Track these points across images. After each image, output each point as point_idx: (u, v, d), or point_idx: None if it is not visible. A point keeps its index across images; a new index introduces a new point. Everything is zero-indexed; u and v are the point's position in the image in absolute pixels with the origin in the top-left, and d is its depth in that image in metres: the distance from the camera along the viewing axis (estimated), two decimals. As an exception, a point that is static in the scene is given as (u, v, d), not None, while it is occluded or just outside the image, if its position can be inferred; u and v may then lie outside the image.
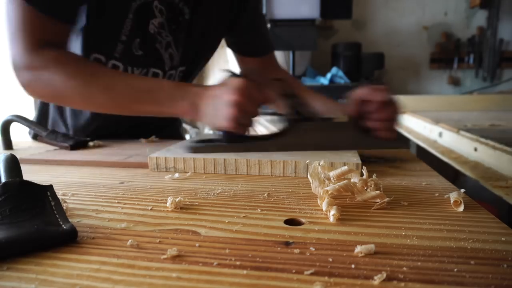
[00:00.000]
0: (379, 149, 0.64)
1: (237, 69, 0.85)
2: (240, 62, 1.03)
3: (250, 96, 0.58)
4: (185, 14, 0.82)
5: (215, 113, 0.60)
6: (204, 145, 0.61)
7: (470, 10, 2.69)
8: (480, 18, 2.67)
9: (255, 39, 0.99)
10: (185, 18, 0.82)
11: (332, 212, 0.36)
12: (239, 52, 1.01)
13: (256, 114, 0.61)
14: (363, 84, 0.64)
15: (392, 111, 0.63)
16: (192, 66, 0.92)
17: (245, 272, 0.27)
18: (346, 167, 0.45)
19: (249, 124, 0.61)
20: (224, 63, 2.85)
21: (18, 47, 0.66)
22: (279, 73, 1.03)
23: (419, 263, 0.27)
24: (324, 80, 2.35)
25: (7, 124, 0.78)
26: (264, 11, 1.84)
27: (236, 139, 0.61)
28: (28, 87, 0.70)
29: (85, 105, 0.72)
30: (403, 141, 0.63)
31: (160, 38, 0.81)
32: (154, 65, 0.83)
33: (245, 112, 0.58)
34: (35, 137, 0.95)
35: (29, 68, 0.67)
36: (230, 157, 0.56)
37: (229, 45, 1.01)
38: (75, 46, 0.76)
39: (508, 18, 2.62)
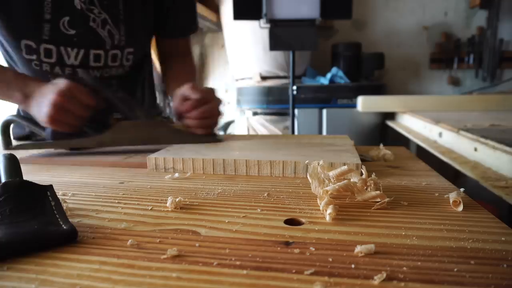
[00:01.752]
0: (194, 143, 0.69)
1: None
2: (156, 45, 1.02)
3: (73, 98, 0.63)
4: None
5: (39, 109, 0.65)
6: (27, 143, 0.70)
7: (470, 10, 2.69)
8: (480, 18, 2.68)
9: (172, 19, 0.97)
10: None
11: (329, 211, 0.36)
12: (158, 32, 0.99)
13: (81, 114, 0.65)
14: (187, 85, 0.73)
15: (202, 111, 0.70)
16: (139, 48, 0.91)
17: (245, 272, 0.27)
18: (346, 167, 0.45)
19: (73, 123, 0.66)
20: (224, 63, 2.85)
21: None
22: (188, 61, 1.04)
23: (419, 263, 0.27)
24: (324, 80, 2.35)
25: (7, 124, 0.77)
26: (264, 11, 1.84)
27: (61, 136, 0.67)
28: None
29: None
30: (215, 137, 0.74)
31: (93, 15, 0.81)
32: (93, 45, 0.83)
33: (66, 112, 0.63)
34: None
35: None
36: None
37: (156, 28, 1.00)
38: (8, 32, 0.77)
39: (508, 18, 2.62)
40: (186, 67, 1.03)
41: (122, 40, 0.86)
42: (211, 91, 0.74)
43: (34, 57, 0.80)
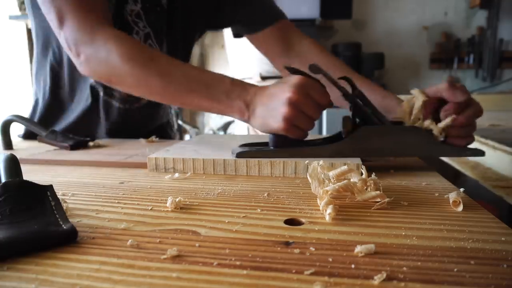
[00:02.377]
0: (452, 157, 0.58)
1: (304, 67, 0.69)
2: (256, 44, 0.93)
3: (310, 96, 0.53)
4: (162, 4, 0.80)
5: (269, 113, 0.55)
6: (248, 150, 0.57)
7: (470, 10, 2.69)
8: (480, 18, 2.68)
9: (254, 10, 0.90)
10: (163, 7, 0.81)
11: (328, 211, 0.36)
12: (245, 31, 0.92)
13: (316, 117, 0.55)
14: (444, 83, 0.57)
15: (471, 115, 0.55)
16: (180, 58, 0.90)
17: (245, 272, 0.27)
18: (346, 167, 0.45)
19: (307, 128, 0.55)
20: (224, 63, 2.85)
21: (80, 23, 0.65)
22: (307, 44, 0.90)
23: (419, 263, 0.27)
24: (324, 80, 2.35)
25: (7, 124, 0.78)
26: (264, 11, 1.84)
27: (285, 143, 0.55)
28: (86, 63, 0.67)
29: (138, 88, 0.68)
30: (478, 149, 0.58)
31: (137, 28, 0.79)
32: None
33: (302, 113, 0.53)
34: (25, 136, 0.95)
35: (91, 43, 0.65)
36: (197, 156, 0.55)
37: (233, 30, 0.94)
38: None
39: (508, 18, 2.62)
40: (332, 58, 0.87)
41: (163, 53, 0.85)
42: (468, 91, 0.57)
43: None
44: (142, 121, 0.94)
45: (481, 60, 2.67)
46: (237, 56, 2.54)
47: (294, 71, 0.55)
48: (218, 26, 0.96)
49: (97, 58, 0.66)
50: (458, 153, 0.57)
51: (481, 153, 0.57)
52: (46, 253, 0.29)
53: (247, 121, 0.59)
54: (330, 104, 0.56)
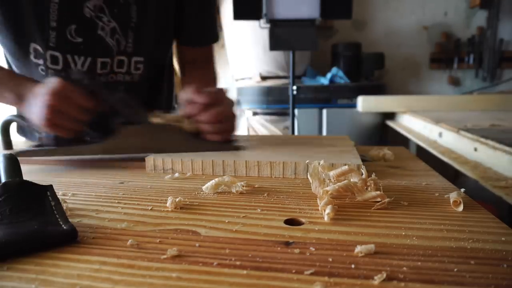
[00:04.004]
0: (209, 151, 0.62)
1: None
2: (177, 52, 0.98)
3: (67, 99, 0.58)
4: None
5: (34, 112, 0.60)
6: (30, 149, 0.62)
7: (470, 10, 2.69)
8: (480, 18, 2.67)
9: (196, 27, 0.93)
10: (127, 0, 0.79)
11: (327, 211, 0.36)
12: (178, 40, 0.95)
13: (80, 117, 0.60)
14: (190, 87, 0.64)
15: (214, 114, 0.62)
16: (151, 57, 0.88)
17: (245, 272, 0.27)
18: (346, 167, 0.45)
19: (71, 127, 0.60)
20: (224, 63, 2.85)
21: None
22: (206, 69, 0.98)
23: (419, 263, 0.27)
24: (324, 80, 2.35)
25: (7, 124, 0.77)
26: (264, 11, 1.84)
27: (62, 143, 0.61)
28: None
29: None
30: (234, 145, 0.65)
31: (101, 23, 0.78)
32: (100, 54, 0.80)
33: (62, 114, 0.58)
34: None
35: None
36: (196, 158, 0.57)
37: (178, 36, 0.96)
38: (17, 34, 0.76)
39: (508, 18, 2.62)
40: (205, 74, 0.96)
41: (128, 47, 0.83)
42: (220, 91, 0.65)
43: (41, 61, 0.78)
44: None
45: (481, 60, 2.67)
46: (237, 56, 2.54)
47: (64, 77, 0.60)
48: (177, 26, 0.96)
49: None
50: (212, 148, 0.62)
51: (236, 148, 0.63)
52: (46, 253, 0.29)
53: (22, 113, 0.65)
54: (98, 107, 0.61)
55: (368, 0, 2.76)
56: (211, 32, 0.97)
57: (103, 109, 0.62)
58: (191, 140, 0.63)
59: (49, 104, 0.57)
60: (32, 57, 0.78)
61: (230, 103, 0.65)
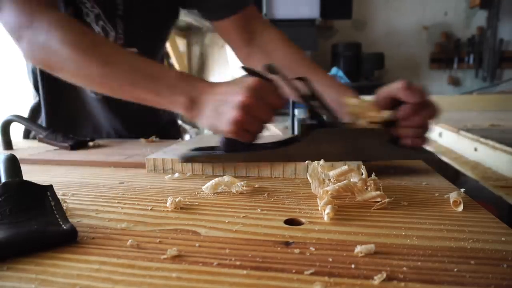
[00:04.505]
0: (406, 159, 0.56)
1: (257, 67, 0.64)
2: (218, 31, 0.89)
3: (263, 100, 0.50)
4: None
5: (217, 115, 0.52)
6: (197, 154, 0.55)
7: (470, 10, 2.69)
8: (480, 18, 2.68)
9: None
10: None
11: (327, 211, 0.36)
12: (211, 17, 0.87)
13: (268, 120, 0.52)
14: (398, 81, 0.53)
15: (426, 117, 0.53)
16: (144, 48, 0.82)
17: (245, 272, 0.27)
18: (346, 167, 0.45)
19: (258, 131, 0.53)
20: (224, 63, 2.85)
21: (19, 7, 0.63)
22: (271, 35, 0.85)
23: (419, 263, 0.27)
24: (324, 80, 2.35)
25: (7, 124, 0.78)
26: (264, 11, 1.83)
27: (237, 147, 0.53)
28: (28, 47, 0.64)
29: (78, 76, 0.64)
30: (427, 150, 0.56)
31: (86, 9, 0.75)
32: None
33: (254, 117, 0.51)
34: (27, 136, 0.95)
35: (30, 28, 0.62)
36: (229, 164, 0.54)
37: (200, 13, 0.88)
38: None
39: (508, 18, 2.62)
40: (290, 50, 0.82)
41: (119, 38, 0.80)
42: (426, 91, 0.54)
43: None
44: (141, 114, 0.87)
45: (481, 60, 2.67)
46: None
47: (249, 71, 0.52)
48: (183, 6, 0.88)
49: (37, 42, 0.62)
50: (413, 155, 0.55)
51: (433, 156, 0.56)
52: (46, 253, 0.29)
53: (193, 119, 0.56)
54: (284, 105, 0.54)
55: (368, 0, 2.76)
56: None
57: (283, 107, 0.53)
58: (390, 146, 0.53)
59: (243, 106, 0.49)
60: None
61: (436, 107, 0.54)
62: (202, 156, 0.55)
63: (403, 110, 0.52)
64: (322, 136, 0.53)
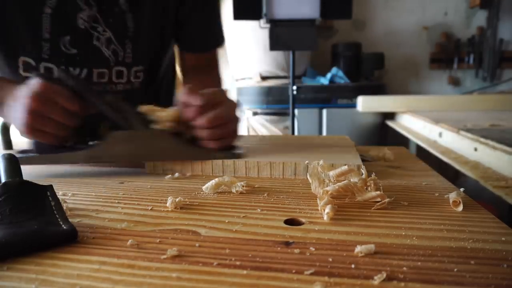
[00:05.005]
0: (202, 160, 0.56)
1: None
2: (179, 58, 0.94)
3: (51, 102, 0.53)
4: (120, 4, 0.76)
5: (15, 118, 0.55)
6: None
7: (470, 10, 2.69)
8: (480, 18, 2.67)
9: (196, 32, 0.88)
10: (121, 8, 0.76)
11: (326, 211, 0.36)
12: (179, 45, 0.91)
13: (65, 122, 0.54)
14: (185, 88, 0.58)
15: (211, 118, 0.55)
16: (150, 65, 0.85)
17: (245, 272, 0.27)
18: (346, 167, 0.45)
19: (58, 132, 0.55)
20: (224, 64, 2.85)
21: None
22: (208, 75, 0.92)
23: (419, 263, 0.27)
24: (324, 80, 2.35)
25: (7, 124, 0.78)
26: (264, 11, 1.84)
27: (46, 149, 0.56)
28: None
29: None
30: (233, 152, 0.58)
31: (96, 33, 0.75)
32: (96, 64, 0.77)
33: (45, 119, 0.53)
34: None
35: None
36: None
37: (176, 40, 0.92)
38: (4, 48, 0.73)
39: (508, 18, 2.62)
40: (206, 79, 0.88)
41: (127, 57, 0.80)
42: (219, 92, 0.59)
43: (33, 74, 0.75)
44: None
45: (481, 60, 2.67)
46: (237, 56, 2.54)
47: (42, 76, 0.55)
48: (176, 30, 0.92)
49: None
50: (209, 157, 0.56)
51: (234, 156, 0.56)
52: (46, 253, 0.29)
53: (5, 119, 0.61)
54: (84, 111, 0.56)
55: (368, 0, 2.76)
56: (213, 37, 0.92)
57: (90, 113, 0.57)
58: (185, 148, 0.57)
59: (30, 109, 0.52)
60: (21, 71, 0.75)
61: (231, 105, 0.58)
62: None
63: (185, 112, 0.56)
64: (117, 138, 0.56)
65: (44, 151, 0.57)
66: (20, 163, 0.55)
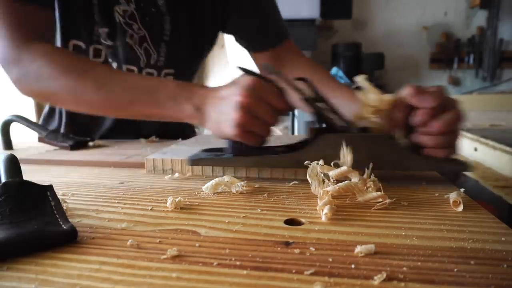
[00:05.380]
0: (428, 170, 0.51)
1: (254, 68, 0.72)
2: (255, 61, 0.92)
3: (263, 99, 0.48)
4: (159, 5, 0.76)
5: (221, 118, 0.50)
6: (204, 156, 0.53)
7: (470, 10, 2.69)
8: (480, 18, 2.68)
9: (260, 29, 0.86)
10: (160, 9, 0.76)
11: (325, 211, 0.36)
12: (248, 48, 0.90)
13: (273, 121, 0.50)
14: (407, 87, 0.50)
15: (447, 122, 0.46)
16: (182, 69, 0.85)
17: (245, 272, 0.27)
18: (345, 167, 0.45)
19: (263, 133, 0.51)
20: (224, 63, 2.85)
21: (6, 42, 0.63)
22: (300, 62, 0.88)
23: (419, 263, 0.27)
24: (324, 80, 2.35)
25: (7, 124, 0.78)
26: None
27: (244, 151, 0.51)
28: (18, 83, 0.66)
29: (76, 103, 0.65)
30: (461, 162, 0.49)
31: (131, 30, 0.76)
32: (126, 61, 0.78)
33: (256, 117, 0.49)
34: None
35: (18, 62, 0.63)
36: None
37: (237, 40, 0.91)
38: (60, 31, 0.74)
39: (508, 18, 2.62)
40: (317, 69, 0.85)
41: (160, 60, 0.80)
42: (445, 92, 0.49)
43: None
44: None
45: (481, 60, 2.67)
46: (237, 56, 2.54)
47: (246, 71, 0.51)
48: (224, 31, 0.91)
49: (28, 78, 0.63)
50: (435, 166, 0.50)
51: (463, 168, 0.48)
52: (46, 253, 0.29)
53: (201, 125, 0.56)
54: (289, 109, 0.51)
55: (368, 0, 2.76)
56: (281, 29, 0.88)
57: (292, 110, 0.53)
58: (410, 155, 0.49)
59: (243, 106, 0.47)
60: None
61: (460, 109, 0.48)
62: (211, 159, 0.53)
63: (417, 116, 0.47)
64: (330, 140, 0.49)
65: (239, 152, 0.52)
66: (217, 164, 0.53)
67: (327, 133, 0.50)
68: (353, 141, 0.47)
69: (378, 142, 0.49)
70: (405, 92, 0.49)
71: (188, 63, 0.87)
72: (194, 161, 0.53)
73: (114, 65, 0.78)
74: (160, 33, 0.79)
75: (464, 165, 0.49)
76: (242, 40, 0.89)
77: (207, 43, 0.89)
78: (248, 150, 0.51)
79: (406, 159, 0.49)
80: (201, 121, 0.54)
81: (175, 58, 0.82)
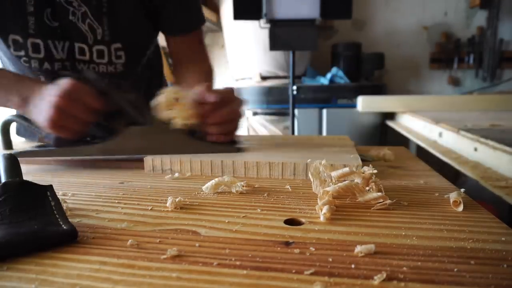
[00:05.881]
0: (209, 153, 0.60)
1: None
2: (167, 45, 0.96)
3: (77, 100, 0.57)
4: None
5: (39, 114, 0.59)
6: (31, 149, 0.62)
7: (470, 10, 2.69)
8: (480, 18, 2.68)
9: (175, 14, 0.89)
10: None
11: (323, 211, 0.36)
12: (162, 31, 0.93)
13: (86, 118, 0.59)
14: (200, 86, 0.62)
15: (225, 113, 0.61)
16: (129, 43, 0.85)
17: (245, 272, 0.27)
18: (347, 169, 0.45)
19: (77, 128, 0.59)
20: (224, 63, 2.85)
21: None
22: (200, 57, 0.96)
23: (419, 263, 0.27)
24: (324, 80, 2.35)
25: (7, 124, 0.77)
26: (264, 11, 1.84)
27: (64, 143, 0.61)
28: None
29: None
30: (238, 147, 0.63)
31: (72, 8, 0.77)
32: (75, 39, 0.79)
33: (69, 116, 0.57)
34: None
35: None
36: (195, 158, 0.57)
37: (160, 25, 0.93)
38: None
39: (508, 18, 2.62)
40: (198, 68, 0.93)
41: (105, 35, 0.81)
42: (230, 91, 0.64)
43: (22, 53, 0.77)
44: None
45: (481, 60, 2.67)
46: (237, 56, 2.54)
47: (72, 76, 0.59)
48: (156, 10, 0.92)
49: None
50: (215, 150, 0.61)
51: (239, 149, 0.62)
52: (46, 253, 0.29)
53: (26, 115, 0.65)
54: (107, 108, 0.60)
55: (368, 0, 2.76)
56: (193, 16, 0.92)
57: (110, 110, 0.61)
58: (193, 141, 0.62)
59: (56, 106, 0.56)
60: (12, 50, 0.78)
61: (239, 103, 0.64)
62: (34, 151, 0.62)
63: (201, 109, 0.60)
64: (134, 132, 0.61)
65: (62, 145, 0.61)
66: (39, 155, 0.62)
67: (131, 126, 0.61)
68: (148, 132, 0.61)
69: (172, 132, 0.61)
70: (196, 91, 0.62)
71: (133, 37, 0.87)
72: (18, 153, 0.60)
73: (66, 43, 0.79)
74: (99, 5, 0.80)
75: (239, 148, 0.62)
76: (164, 23, 0.91)
77: (148, 17, 0.89)
78: (67, 143, 0.61)
79: (192, 145, 0.61)
80: (25, 111, 0.64)
81: (118, 30, 0.83)
